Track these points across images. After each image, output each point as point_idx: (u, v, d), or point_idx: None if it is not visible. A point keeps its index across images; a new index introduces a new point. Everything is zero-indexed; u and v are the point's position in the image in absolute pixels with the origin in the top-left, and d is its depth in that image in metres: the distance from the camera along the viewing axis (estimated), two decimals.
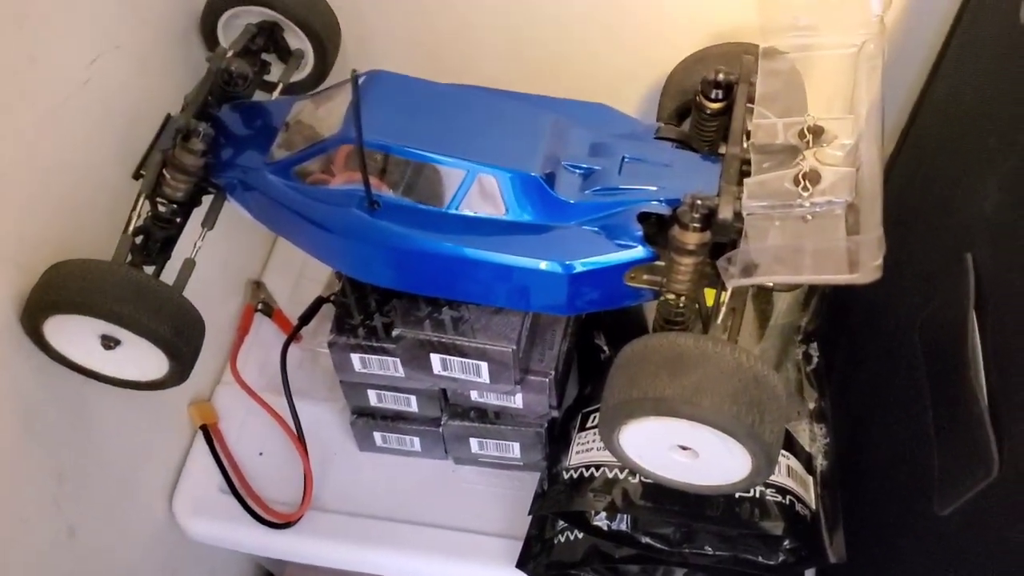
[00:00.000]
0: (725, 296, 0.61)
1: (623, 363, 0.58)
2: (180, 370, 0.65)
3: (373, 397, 0.80)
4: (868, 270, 0.52)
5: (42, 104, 0.64)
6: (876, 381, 0.75)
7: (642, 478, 0.71)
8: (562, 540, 0.77)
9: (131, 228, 0.67)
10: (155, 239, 0.69)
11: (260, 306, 0.97)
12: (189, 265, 0.68)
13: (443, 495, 0.86)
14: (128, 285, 0.62)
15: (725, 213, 0.57)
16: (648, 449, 0.60)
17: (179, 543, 0.89)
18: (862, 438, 0.76)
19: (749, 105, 0.64)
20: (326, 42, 0.80)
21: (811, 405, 0.79)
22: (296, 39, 0.79)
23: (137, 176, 0.69)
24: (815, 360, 0.82)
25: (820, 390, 0.80)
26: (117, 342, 0.63)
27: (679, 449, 0.59)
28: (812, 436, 0.77)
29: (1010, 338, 0.54)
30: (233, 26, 0.79)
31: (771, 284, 0.60)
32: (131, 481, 0.82)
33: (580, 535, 0.76)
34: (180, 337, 0.64)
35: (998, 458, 0.53)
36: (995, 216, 0.58)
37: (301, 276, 1.00)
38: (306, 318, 0.90)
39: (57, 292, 0.61)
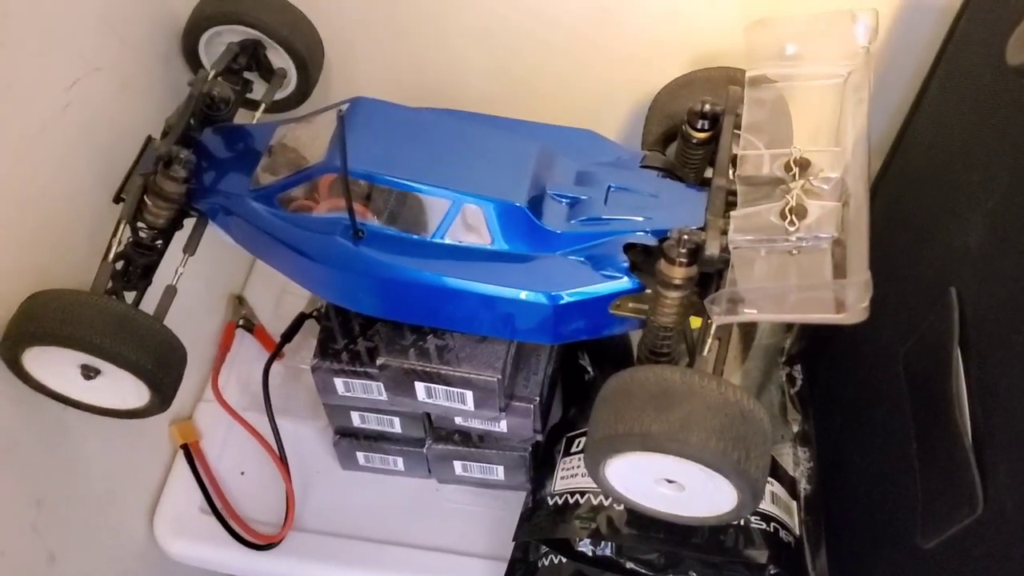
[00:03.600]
0: (711, 326, 0.61)
1: (609, 396, 0.58)
2: (161, 399, 0.65)
3: (356, 418, 0.80)
4: (855, 312, 0.52)
5: (19, 130, 0.63)
6: (859, 407, 0.75)
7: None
8: (546, 563, 0.77)
9: (111, 255, 0.66)
10: (136, 265, 0.68)
11: (242, 322, 0.96)
12: (171, 292, 0.68)
13: (426, 515, 0.86)
14: (108, 316, 0.61)
15: (712, 249, 0.57)
16: (634, 481, 0.60)
17: (160, 564, 0.88)
18: (845, 463, 0.76)
19: (736, 132, 0.64)
20: (308, 61, 0.79)
21: (795, 428, 0.79)
22: (278, 58, 0.79)
23: (118, 200, 0.68)
24: (799, 382, 0.82)
25: (804, 412, 0.81)
26: (97, 372, 0.63)
27: (665, 482, 0.59)
28: (796, 460, 0.77)
29: (994, 376, 0.54)
30: (215, 44, 0.78)
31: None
32: (112, 503, 0.81)
33: (564, 560, 0.76)
34: (161, 368, 0.63)
35: (982, 496, 0.53)
36: (979, 251, 0.58)
37: (283, 291, 0.99)
38: (288, 335, 0.90)
39: (36, 324, 0.60)
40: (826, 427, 0.81)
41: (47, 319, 0.60)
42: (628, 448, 0.56)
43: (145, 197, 0.66)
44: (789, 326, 0.84)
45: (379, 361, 0.68)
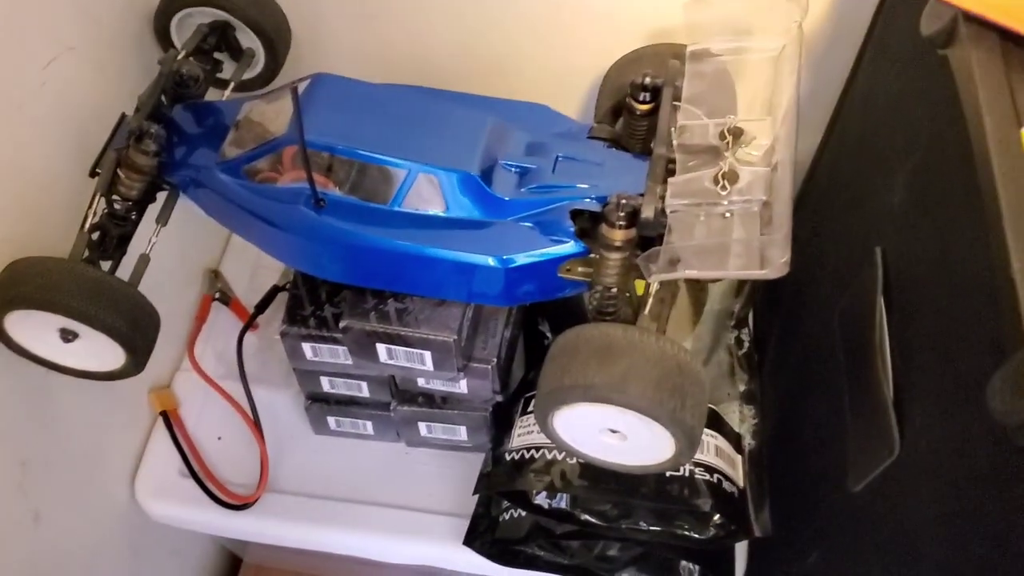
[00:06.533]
0: (654, 287, 0.65)
1: (557, 352, 0.62)
2: (136, 361, 0.68)
3: (326, 383, 0.84)
4: (776, 266, 0.56)
5: None
6: (802, 366, 0.79)
7: (579, 459, 0.75)
8: (507, 518, 0.81)
9: (87, 225, 0.69)
10: (111, 236, 0.71)
11: (218, 295, 1.00)
12: (144, 260, 0.71)
13: (395, 476, 0.90)
14: (85, 281, 0.65)
15: (647, 212, 0.61)
16: (580, 432, 0.64)
17: (142, 525, 0.92)
18: (790, 420, 0.81)
19: (676, 104, 0.68)
20: (276, 41, 0.82)
21: (741, 387, 0.83)
22: (247, 38, 0.82)
23: (93, 174, 0.71)
24: (746, 344, 0.86)
25: (750, 373, 0.85)
26: (75, 335, 0.66)
27: (609, 432, 0.63)
28: (742, 417, 0.81)
29: (912, 329, 0.58)
30: (186, 26, 0.81)
31: (688, 278, 0.64)
32: (94, 466, 0.85)
33: (523, 513, 0.80)
34: (136, 331, 0.67)
35: (899, 439, 0.57)
36: (900, 211, 0.62)
37: (258, 265, 1.03)
38: (262, 307, 0.93)
39: (16, 289, 0.64)
40: (774, 387, 0.85)
41: (27, 284, 0.64)
42: (573, 399, 0.60)
43: (119, 171, 0.70)
44: (738, 291, 0.88)
45: (342, 324, 0.72)
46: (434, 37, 0.90)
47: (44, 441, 0.77)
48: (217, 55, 0.82)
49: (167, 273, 0.93)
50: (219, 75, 0.82)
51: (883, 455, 0.58)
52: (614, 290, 0.65)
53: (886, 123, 0.68)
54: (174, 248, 0.95)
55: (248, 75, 0.84)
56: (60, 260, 0.66)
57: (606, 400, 0.58)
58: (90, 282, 0.65)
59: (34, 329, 0.66)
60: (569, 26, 0.86)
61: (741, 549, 0.83)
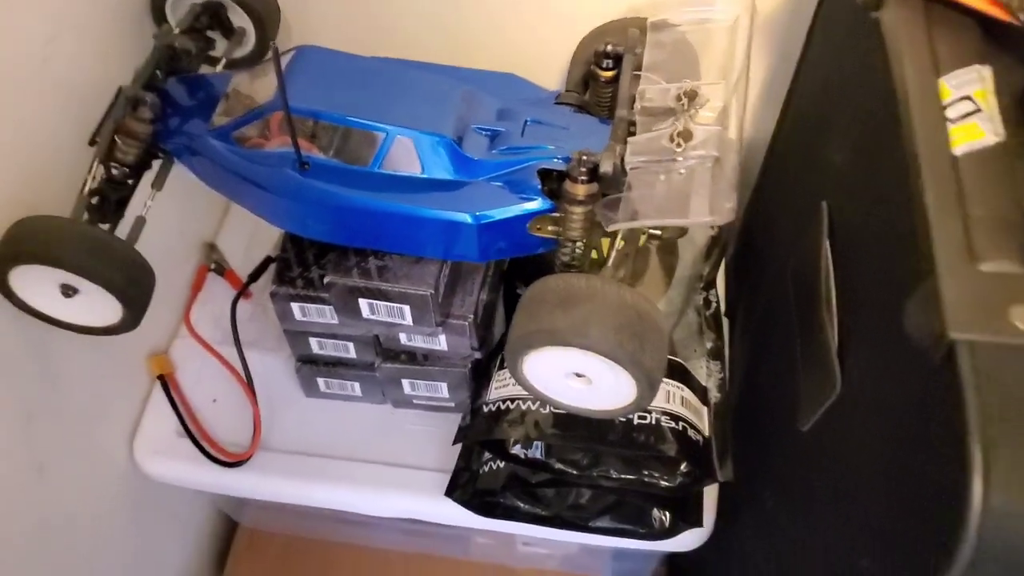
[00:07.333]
0: (618, 243, 0.70)
1: (525, 302, 0.66)
2: (133, 316, 0.72)
3: (315, 344, 0.88)
4: (723, 213, 0.61)
5: (4, 82, 0.71)
6: (764, 322, 0.84)
7: (552, 409, 0.79)
8: (486, 470, 0.85)
9: (87, 190, 0.74)
10: (109, 200, 0.76)
11: (213, 266, 1.05)
12: (140, 222, 0.76)
13: (382, 435, 0.94)
14: (85, 238, 0.69)
15: (606, 166, 0.65)
16: (548, 377, 0.68)
17: (141, 487, 0.96)
18: (752, 373, 0.85)
19: (637, 73, 0.72)
20: (266, 20, 0.87)
21: (708, 345, 0.88)
22: (238, 17, 0.87)
23: (92, 143, 0.76)
24: (713, 305, 0.91)
25: (717, 332, 0.89)
26: (75, 290, 0.71)
27: (575, 377, 0.68)
28: (708, 372, 0.86)
29: (853, 277, 0.62)
30: (181, 6, 0.86)
31: (645, 227, 0.68)
32: (95, 427, 0.89)
33: (501, 464, 0.84)
34: (132, 285, 0.71)
35: (840, 377, 0.61)
36: (843, 168, 0.66)
37: (252, 239, 1.07)
38: (255, 275, 0.98)
39: (21, 244, 0.68)
40: (743, 344, 0.90)
41: (31, 240, 0.68)
42: (540, 343, 0.64)
43: (116, 138, 0.74)
44: (707, 257, 0.92)
45: (326, 280, 0.76)
46: (416, 13, 0.94)
47: (48, 399, 0.81)
48: (210, 34, 0.87)
49: (166, 247, 0.97)
50: (211, 53, 0.87)
51: (827, 394, 0.63)
52: (580, 244, 0.70)
53: (832, 89, 0.73)
54: (173, 224, 1.00)
55: (239, 53, 0.88)
56: (62, 218, 0.71)
57: (569, 343, 0.63)
58: (90, 239, 0.69)
59: (37, 285, 0.71)
60: (546, 2, 0.91)
61: (711, 501, 0.87)
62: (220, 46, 0.87)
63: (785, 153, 0.84)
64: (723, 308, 0.94)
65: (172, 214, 0.99)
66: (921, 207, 0.48)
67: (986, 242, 0.47)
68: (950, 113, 0.51)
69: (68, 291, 0.71)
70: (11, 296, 0.72)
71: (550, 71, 0.94)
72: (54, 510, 0.84)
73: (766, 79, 0.94)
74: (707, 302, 0.91)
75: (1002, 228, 0.48)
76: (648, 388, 0.65)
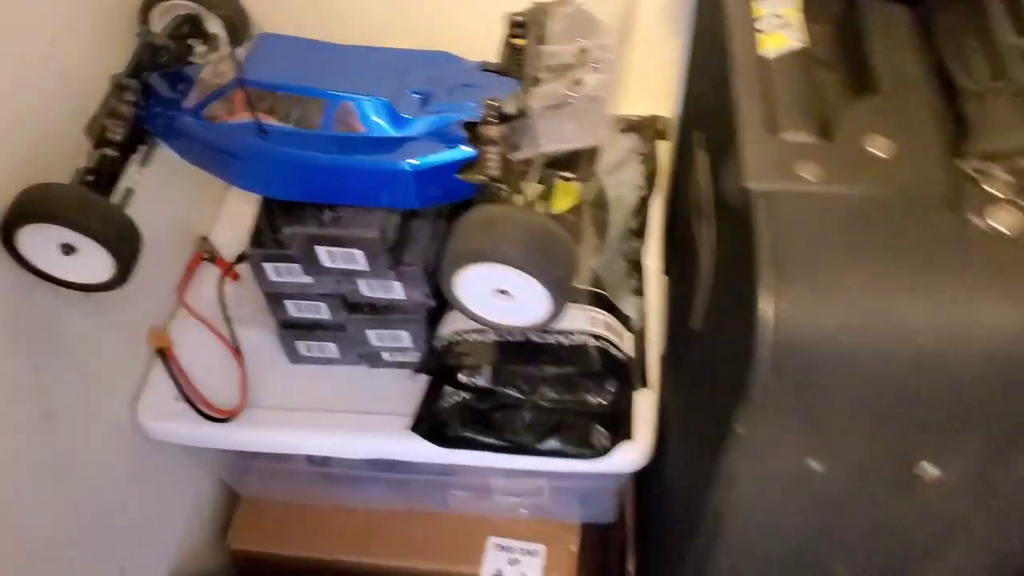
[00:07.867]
0: (532, 181, 0.81)
1: (455, 230, 0.78)
2: (122, 270, 0.84)
3: (292, 308, 1.00)
4: (601, 137, 0.73)
5: (10, 74, 0.84)
6: (683, 258, 0.95)
7: (494, 339, 0.90)
8: (445, 404, 0.96)
9: (83, 168, 0.86)
10: (103, 175, 0.88)
11: (206, 255, 1.17)
12: (129, 192, 0.88)
13: (359, 391, 1.05)
14: (84, 199, 0.81)
15: (510, 108, 0.78)
16: (477, 295, 0.79)
17: (144, 453, 1.07)
18: (674, 302, 0.96)
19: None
20: (238, 26, 1.00)
21: (634, 284, 0.99)
22: (213, 23, 1.00)
23: (89, 131, 0.89)
24: (639, 252, 1.02)
25: (639, 273, 1.01)
26: (74, 249, 0.83)
27: (500, 294, 0.79)
28: (635, 306, 0.97)
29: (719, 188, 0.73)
30: (165, 16, 0.99)
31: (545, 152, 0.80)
32: (101, 389, 1.00)
33: (457, 398, 0.95)
34: (122, 240, 0.83)
35: (713, 272, 0.72)
36: (709, 98, 0.78)
37: (243, 235, 1.19)
38: (241, 258, 1.10)
39: (27, 206, 0.80)
40: (674, 283, 1.01)
41: (36, 202, 0.80)
42: (465, 261, 0.75)
43: (106, 121, 0.87)
44: (636, 213, 1.04)
45: (286, 231, 0.88)
46: (375, 14, 1.08)
47: (56, 357, 0.92)
48: (191, 41, 1.00)
49: (165, 240, 1.10)
50: (191, 58, 1.00)
51: (701, 283, 0.74)
52: (500, 184, 0.81)
53: (705, 40, 0.85)
54: (170, 219, 1.12)
55: (214, 57, 1.02)
56: (61, 184, 0.83)
57: (488, 259, 0.74)
58: (87, 199, 0.82)
59: (40, 245, 0.82)
60: None
61: (647, 425, 0.97)
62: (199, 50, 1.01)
63: (689, 109, 0.96)
64: (660, 265, 1.06)
65: (170, 210, 1.11)
66: (733, 93, 0.60)
67: (784, 118, 0.59)
68: (761, 25, 0.63)
69: (67, 250, 0.83)
70: (19, 258, 0.84)
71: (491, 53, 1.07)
72: (63, 457, 0.95)
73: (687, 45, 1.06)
74: (634, 250, 1.02)
75: (798, 108, 0.59)
76: (559, 296, 0.76)
